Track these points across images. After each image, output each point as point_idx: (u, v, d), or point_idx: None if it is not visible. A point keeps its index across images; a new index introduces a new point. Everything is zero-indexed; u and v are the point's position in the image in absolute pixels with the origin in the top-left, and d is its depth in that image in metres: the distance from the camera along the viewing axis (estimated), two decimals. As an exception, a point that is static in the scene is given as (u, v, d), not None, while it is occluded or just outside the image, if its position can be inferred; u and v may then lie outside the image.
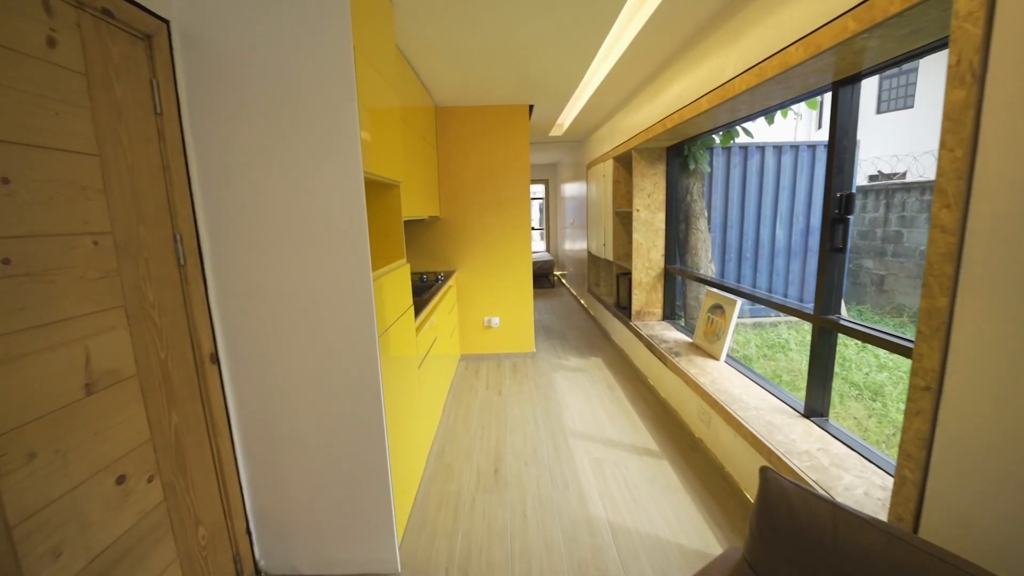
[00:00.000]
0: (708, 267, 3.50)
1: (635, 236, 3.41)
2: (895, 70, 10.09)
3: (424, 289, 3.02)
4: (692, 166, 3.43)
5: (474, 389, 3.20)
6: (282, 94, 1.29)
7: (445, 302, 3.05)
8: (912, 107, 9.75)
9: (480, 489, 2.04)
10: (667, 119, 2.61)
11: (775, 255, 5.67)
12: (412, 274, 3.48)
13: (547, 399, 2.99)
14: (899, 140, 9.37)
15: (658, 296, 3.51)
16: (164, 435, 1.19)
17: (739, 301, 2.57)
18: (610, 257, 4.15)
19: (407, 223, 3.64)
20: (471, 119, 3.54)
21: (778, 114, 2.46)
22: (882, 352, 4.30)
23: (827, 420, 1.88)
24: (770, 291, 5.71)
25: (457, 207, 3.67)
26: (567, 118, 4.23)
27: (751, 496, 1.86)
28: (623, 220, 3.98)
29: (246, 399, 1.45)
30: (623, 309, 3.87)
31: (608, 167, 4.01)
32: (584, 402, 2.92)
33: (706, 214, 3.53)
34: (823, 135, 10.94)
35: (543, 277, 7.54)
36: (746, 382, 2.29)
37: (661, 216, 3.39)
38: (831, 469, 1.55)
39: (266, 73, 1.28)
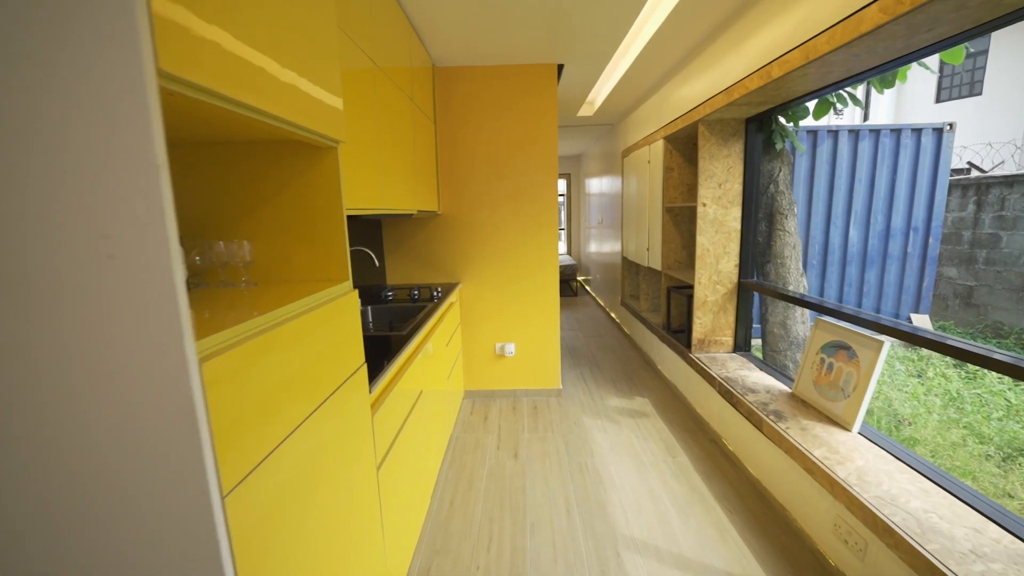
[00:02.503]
0: (799, 282, 2.60)
1: (700, 239, 2.53)
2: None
3: (414, 312, 2.19)
4: (779, 145, 2.54)
5: (480, 447, 2.35)
6: None
7: (444, 327, 2.21)
8: (980, 94, 8.64)
9: (483, 676, 1.20)
10: (772, 65, 1.73)
11: (847, 262, 4.70)
12: (399, 289, 2.63)
13: (582, 469, 2.13)
14: (964, 132, 8.24)
15: (728, 320, 2.62)
16: None
17: (887, 342, 1.67)
18: (656, 266, 3.26)
19: (391, 220, 2.80)
20: (481, 83, 2.69)
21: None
22: (1006, 387, 3.33)
23: None
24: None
25: (462, 200, 2.82)
26: (603, 90, 3.35)
27: None
28: (676, 218, 3.09)
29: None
30: (676, 334, 2.98)
31: (656, 150, 3.13)
32: (636, 477, 2.05)
33: (795, 210, 2.63)
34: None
35: (564, 284, 6.68)
36: (919, 481, 1.40)
37: (736, 212, 2.49)
38: None
39: None
